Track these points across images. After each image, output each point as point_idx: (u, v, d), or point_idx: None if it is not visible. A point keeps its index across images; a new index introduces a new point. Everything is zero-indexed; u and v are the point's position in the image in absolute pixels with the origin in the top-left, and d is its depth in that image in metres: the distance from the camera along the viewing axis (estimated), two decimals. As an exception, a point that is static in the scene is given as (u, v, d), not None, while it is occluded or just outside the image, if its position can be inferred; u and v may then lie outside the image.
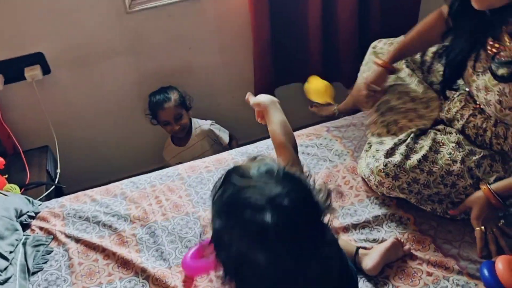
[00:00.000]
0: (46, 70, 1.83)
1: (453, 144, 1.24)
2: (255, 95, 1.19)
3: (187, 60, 2.02)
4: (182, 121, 1.97)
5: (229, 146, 2.09)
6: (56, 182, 1.82)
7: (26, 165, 1.80)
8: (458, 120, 1.29)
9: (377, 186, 1.27)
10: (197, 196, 1.44)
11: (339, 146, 1.54)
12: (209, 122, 2.09)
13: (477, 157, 1.22)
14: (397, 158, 1.23)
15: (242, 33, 1.98)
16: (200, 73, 2.06)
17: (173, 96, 1.95)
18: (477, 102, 1.24)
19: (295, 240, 0.65)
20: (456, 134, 1.27)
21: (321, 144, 1.55)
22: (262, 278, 0.66)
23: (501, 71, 1.09)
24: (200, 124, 2.06)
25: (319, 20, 1.90)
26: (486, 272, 1.03)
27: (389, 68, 1.39)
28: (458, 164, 1.20)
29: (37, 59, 1.80)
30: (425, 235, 1.22)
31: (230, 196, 0.70)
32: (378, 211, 1.29)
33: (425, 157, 1.22)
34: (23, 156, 1.83)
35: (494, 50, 1.12)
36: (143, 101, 2.02)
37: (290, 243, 0.64)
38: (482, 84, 1.17)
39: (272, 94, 2.03)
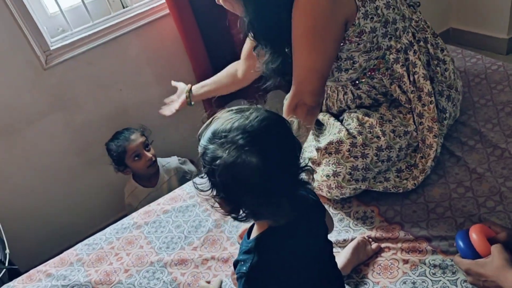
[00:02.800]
0: (-29, 149, 1.71)
1: (369, 122, 1.24)
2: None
3: (120, 101, 1.95)
4: (151, 151, 1.89)
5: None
6: (6, 264, 1.68)
7: (-30, 255, 1.66)
8: (340, 104, 1.35)
9: (329, 192, 1.25)
10: (159, 241, 1.37)
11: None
12: (174, 158, 1.98)
13: (385, 117, 1.24)
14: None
15: (178, 59, 1.94)
16: (139, 110, 1.99)
17: (134, 131, 1.87)
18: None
19: (280, 145, 0.77)
20: (360, 112, 1.28)
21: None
22: (253, 176, 0.72)
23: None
24: (167, 162, 1.96)
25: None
26: (461, 243, 1.02)
27: None
28: (382, 138, 1.22)
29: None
30: (392, 224, 1.20)
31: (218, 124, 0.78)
32: (340, 211, 1.28)
33: (353, 144, 1.22)
34: (-35, 246, 1.68)
35: None
36: (82, 155, 1.92)
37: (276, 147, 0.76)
38: None
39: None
